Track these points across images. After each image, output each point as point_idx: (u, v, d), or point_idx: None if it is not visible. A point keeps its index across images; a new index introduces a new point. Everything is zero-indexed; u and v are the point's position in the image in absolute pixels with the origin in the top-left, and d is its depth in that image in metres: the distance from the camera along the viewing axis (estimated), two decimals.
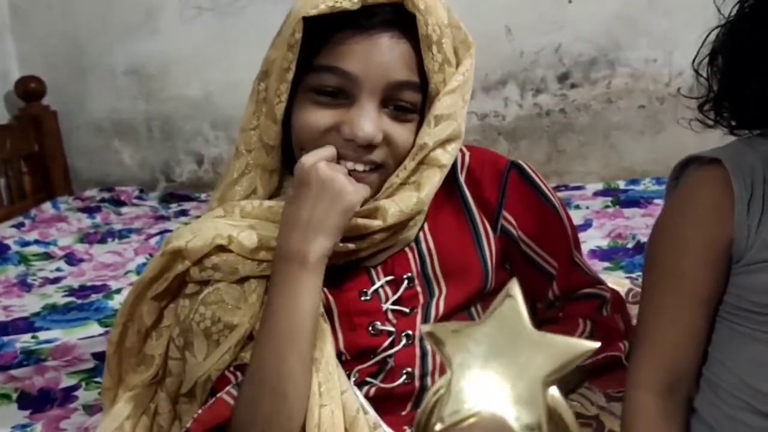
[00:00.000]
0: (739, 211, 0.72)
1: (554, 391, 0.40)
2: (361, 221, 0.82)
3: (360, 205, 0.82)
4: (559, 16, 2.40)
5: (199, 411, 0.82)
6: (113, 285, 1.76)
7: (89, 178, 2.74)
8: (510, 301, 0.41)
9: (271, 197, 0.89)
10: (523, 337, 0.41)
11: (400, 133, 0.82)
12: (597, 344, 0.39)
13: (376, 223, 0.82)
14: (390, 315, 0.86)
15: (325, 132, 0.81)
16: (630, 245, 1.80)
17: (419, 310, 0.87)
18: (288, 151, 0.86)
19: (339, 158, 0.82)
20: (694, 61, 0.78)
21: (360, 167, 0.82)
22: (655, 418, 0.76)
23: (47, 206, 2.49)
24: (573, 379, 0.92)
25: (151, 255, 1.98)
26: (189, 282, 0.87)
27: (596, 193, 2.31)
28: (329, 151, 0.80)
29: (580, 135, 2.50)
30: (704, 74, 0.78)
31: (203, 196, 2.61)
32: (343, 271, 0.87)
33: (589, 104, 2.46)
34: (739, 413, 0.77)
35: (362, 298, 0.86)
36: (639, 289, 1.16)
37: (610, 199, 2.22)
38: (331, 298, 0.86)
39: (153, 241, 2.11)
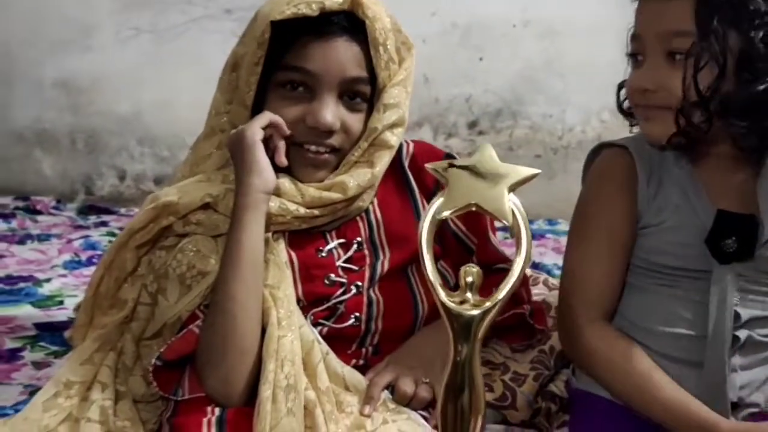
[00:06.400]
0: (641, 184, 0.95)
1: (512, 195, 0.67)
2: (325, 194, 0.98)
3: (321, 180, 1.00)
4: (471, 70, 2.69)
5: (172, 339, 0.94)
6: (41, 276, 1.79)
7: (5, 186, 2.72)
8: (481, 153, 0.63)
9: None
10: (493, 167, 0.67)
11: (354, 121, 1.00)
12: (537, 171, 0.67)
13: (337, 196, 0.98)
14: (341, 271, 1.02)
15: (293, 123, 0.98)
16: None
17: (367, 269, 1.03)
18: None
19: (303, 143, 0.99)
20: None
21: (322, 149, 0.99)
22: (616, 338, 0.94)
23: None
24: (485, 335, 1.10)
25: (76, 254, 2.02)
26: (169, 236, 1.00)
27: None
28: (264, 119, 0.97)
29: None
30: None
31: (123, 210, 2.64)
32: (303, 235, 1.02)
33: None
34: None
35: (319, 255, 1.02)
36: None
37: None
38: (293, 254, 1.01)
39: (76, 243, 2.13)
